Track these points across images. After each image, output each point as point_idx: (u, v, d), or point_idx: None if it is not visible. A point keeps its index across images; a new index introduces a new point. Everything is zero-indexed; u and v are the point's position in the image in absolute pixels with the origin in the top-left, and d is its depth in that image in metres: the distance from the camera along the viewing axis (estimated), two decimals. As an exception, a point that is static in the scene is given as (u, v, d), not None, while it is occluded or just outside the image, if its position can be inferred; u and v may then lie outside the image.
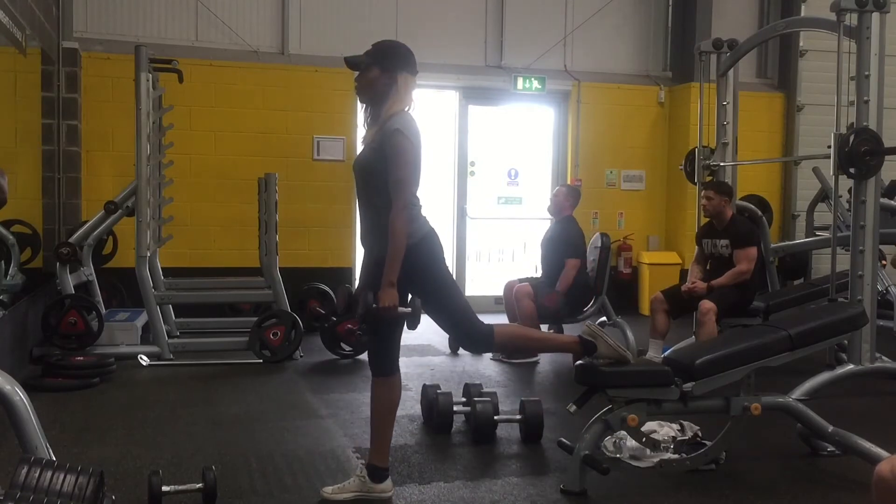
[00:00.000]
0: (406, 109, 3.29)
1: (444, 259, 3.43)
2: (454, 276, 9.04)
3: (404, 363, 3.30)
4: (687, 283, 6.02)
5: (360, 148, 3.49)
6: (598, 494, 3.50)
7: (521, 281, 6.58)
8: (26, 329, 5.83)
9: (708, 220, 6.15)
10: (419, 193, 3.34)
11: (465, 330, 3.44)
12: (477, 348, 3.57)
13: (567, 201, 6.62)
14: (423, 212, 3.37)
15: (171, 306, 6.86)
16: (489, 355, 6.54)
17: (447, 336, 4.52)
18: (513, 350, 3.67)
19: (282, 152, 8.13)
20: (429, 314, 3.38)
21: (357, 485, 3.39)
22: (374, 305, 3.19)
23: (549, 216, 6.82)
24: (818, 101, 9.07)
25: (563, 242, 6.43)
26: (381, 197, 3.23)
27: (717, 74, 6.67)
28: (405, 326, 3.38)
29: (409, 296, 3.36)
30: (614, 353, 3.49)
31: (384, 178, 3.22)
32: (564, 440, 3.77)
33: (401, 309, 3.23)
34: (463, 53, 8.79)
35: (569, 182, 8.84)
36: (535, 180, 9.27)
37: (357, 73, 3.35)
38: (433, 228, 3.40)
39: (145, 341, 6.45)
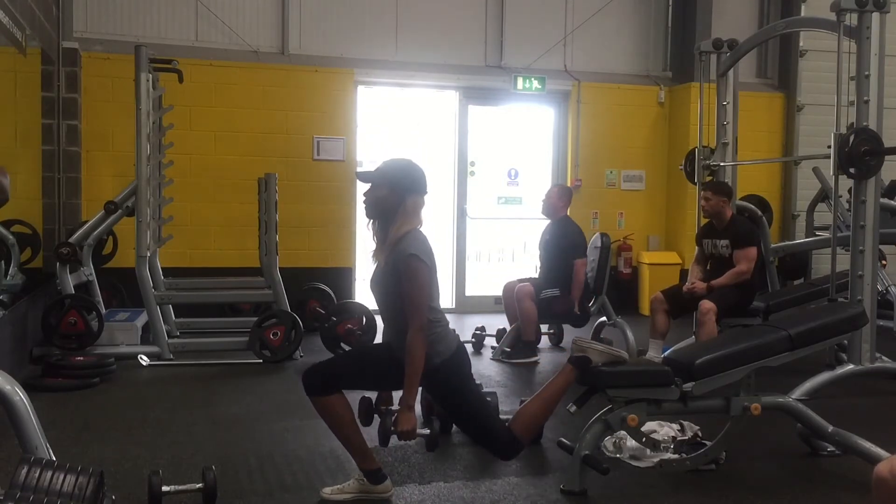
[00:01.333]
0: (416, 228, 3.31)
1: (471, 375, 3.48)
2: (454, 277, 9.10)
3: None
4: (687, 284, 6.02)
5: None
6: (598, 494, 3.50)
7: (520, 281, 6.58)
8: (26, 329, 5.83)
9: (708, 220, 6.15)
10: (427, 198, 3.37)
11: (494, 445, 3.49)
12: (506, 457, 3.61)
13: (560, 201, 6.62)
14: (427, 212, 3.39)
15: (171, 306, 6.86)
16: (489, 355, 6.55)
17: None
18: (540, 423, 3.71)
19: (282, 152, 8.13)
20: (455, 424, 3.51)
21: (356, 486, 3.40)
22: (392, 429, 3.26)
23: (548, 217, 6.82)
24: (818, 101, 9.07)
25: (567, 244, 6.41)
26: (404, 317, 3.26)
27: (717, 74, 6.67)
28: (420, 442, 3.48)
29: (435, 406, 3.45)
30: (608, 356, 3.54)
31: (401, 297, 3.25)
32: (564, 440, 3.77)
33: (419, 432, 3.29)
34: (463, 53, 8.79)
35: (569, 182, 8.85)
36: (535, 180, 9.26)
37: (367, 186, 3.38)
38: (461, 344, 3.44)
39: (145, 341, 6.45)
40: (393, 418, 3.28)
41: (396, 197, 3.28)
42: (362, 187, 3.46)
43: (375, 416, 3.62)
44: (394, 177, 3.31)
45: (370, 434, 3.58)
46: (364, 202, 3.37)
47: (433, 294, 3.31)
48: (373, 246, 3.41)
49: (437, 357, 3.28)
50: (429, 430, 3.34)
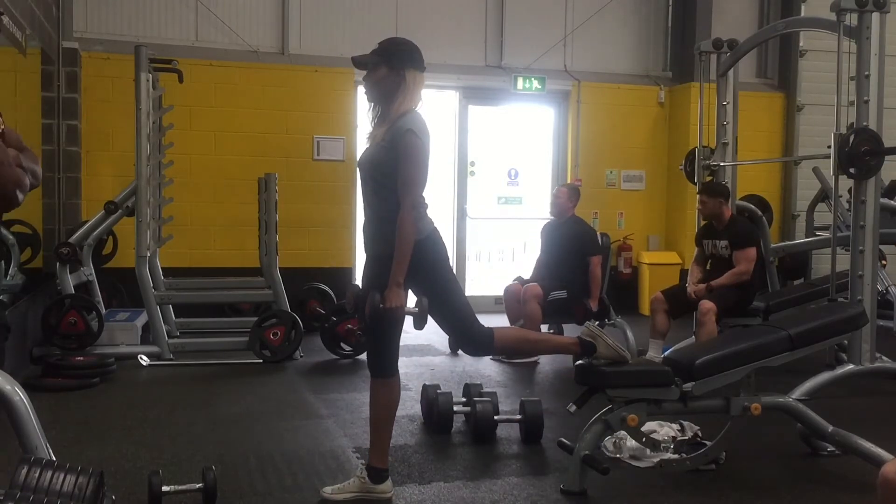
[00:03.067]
0: (415, 108, 3.29)
1: (447, 258, 3.43)
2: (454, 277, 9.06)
3: (404, 363, 3.30)
4: (689, 287, 6.01)
5: (360, 146, 3.48)
6: (598, 494, 3.49)
7: (521, 282, 6.56)
8: (26, 329, 5.83)
9: (707, 220, 6.15)
10: (425, 193, 3.33)
11: (465, 331, 3.43)
12: (477, 350, 3.56)
13: (570, 202, 6.61)
14: (429, 212, 3.37)
15: (171, 306, 6.86)
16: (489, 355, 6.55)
17: (447, 336, 4.52)
18: (513, 352, 3.70)
19: (282, 152, 8.13)
20: (430, 313, 3.36)
21: (357, 485, 3.39)
22: (380, 306, 3.18)
23: (548, 216, 6.82)
24: (818, 101, 9.07)
25: (581, 243, 6.39)
26: (389, 195, 3.23)
27: (717, 74, 6.67)
28: (410, 326, 3.37)
29: (414, 294, 3.36)
30: (613, 353, 3.50)
31: (393, 175, 3.21)
32: (564, 440, 3.77)
33: (407, 309, 3.22)
34: (463, 53, 8.79)
35: (569, 181, 8.84)
36: (535, 180, 9.27)
37: (364, 72, 3.34)
38: (437, 228, 3.40)
39: (145, 341, 6.45)
40: (380, 294, 3.19)
41: (396, 74, 3.26)
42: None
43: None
44: (391, 54, 3.30)
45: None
46: (364, 89, 3.36)
47: (425, 177, 3.27)
48: (369, 129, 3.38)
49: (418, 233, 3.24)
50: (417, 309, 3.26)
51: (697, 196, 6.16)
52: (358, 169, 3.43)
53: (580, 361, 3.54)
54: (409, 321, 3.31)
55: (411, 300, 3.35)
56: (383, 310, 3.17)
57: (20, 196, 2.35)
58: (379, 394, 3.39)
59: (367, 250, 3.47)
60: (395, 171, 3.21)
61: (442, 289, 3.36)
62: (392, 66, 3.27)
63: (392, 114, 3.26)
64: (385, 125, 3.28)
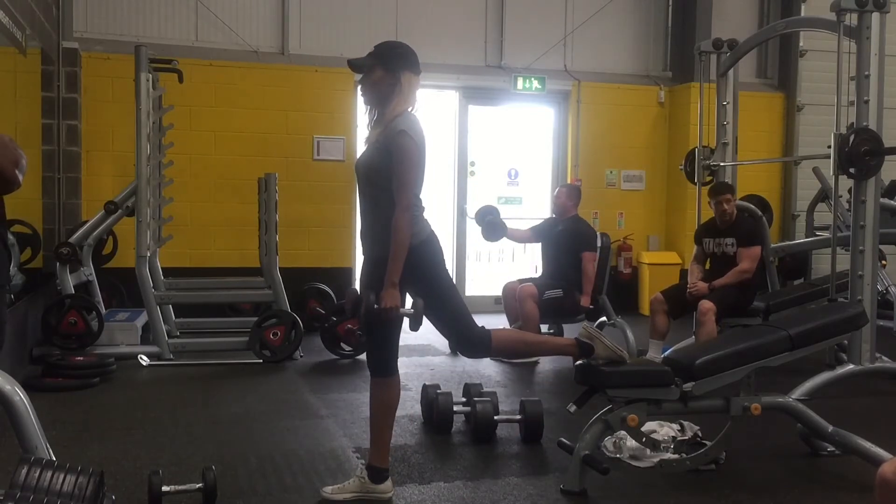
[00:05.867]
0: (410, 110, 3.29)
1: (444, 261, 3.43)
2: (454, 277, 9.08)
3: (404, 363, 3.30)
4: (689, 286, 6.01)
5: (360, 148, 3.48)
6: (598, 494, 3.49)
7: (521, 282, 6.57)
8: (26, 329, 5.83)
9: (709, 218, 6.14)
10: (422, 195, 3.34)
11: (462, 334, 3.44)
12: (474, 353, 3.57)
13: (570, 201, 6.61)
14: (426, 214, 3.37)
15: (171, 306, 6.86)
16: (489, 355, 6.55)
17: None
18: (510, 354, 3.72)
19: (282, 152, 8.13)
20: (427, 316, 3.37)
21: (357, 485, 3.39)
22: (376, 306, 3.18)
23: (549, 216, 6.82)
24: (818, 101, 9.07)
25: (578, 238, 6.40)
26: (385, 196, 3.23)
27: (717, 74, 6.67)
28: (406, 327, 3.37)
29: (410, 297, 3.36)
30: (612, 353, 3.51)
31: (388, 177, 3.21)
32: (564, 440, 3.77)
33: (403, 310, 3.22)
34: (463, 53, 8.79)
35: (569, 181, 8.84)
36: (535, 180, 9.27)
37: (361, 75, 3.35)
38: (434, 231, 3.41)
39: (145, 341, 6.45)
40: (375, 295, 3.19)
41: (392, 77, 3.27)
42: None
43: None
44: (387, 56, 3.31)
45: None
46: (361, 92, 3.38)
47: (420, 178, 3.28)
48: (366, 133, 3.39)
49: (413, 238, 3.24)
50: (413, 310, 3.26)
51: (718, 197, 5.97)
52: (355, 171, 3.43)
53: (580, 362, 3.54)
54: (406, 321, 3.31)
55: (408, 301, 3.35)
56: (378, 310, 3.17)
57: (20, 177, 2.35)
58: (378, 393, 3.39)
59: (364, 252, 3.47)
60: (389, 172, 3.21)
61: (439, 292, 3.37)
62: (387, 69, 3.28)
63: (387, 116, 3.27)
64: (380, 127, 3.29)
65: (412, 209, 3.21)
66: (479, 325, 3.47)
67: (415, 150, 3.21)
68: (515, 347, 3.64)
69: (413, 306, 3.28)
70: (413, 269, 3.25)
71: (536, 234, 6.81)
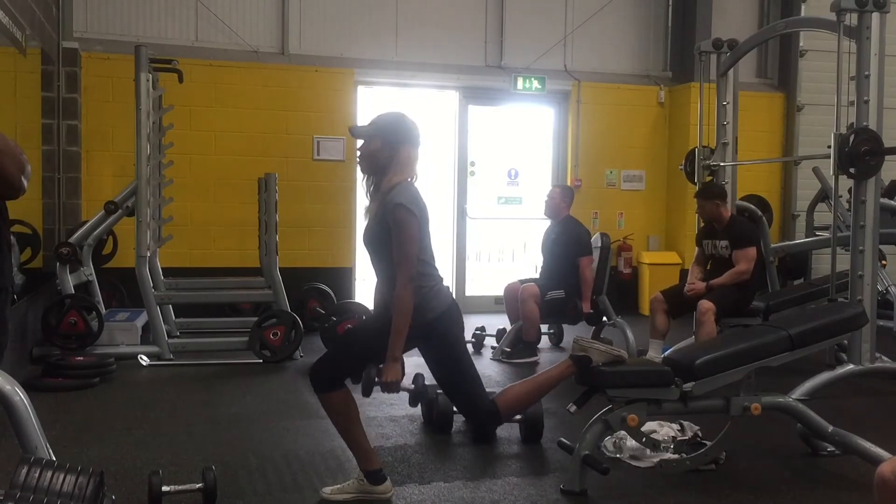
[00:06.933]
0: (409, 180, 3.29)
1: (462, 335, 3.47)
2: (454, 277, 9.08)
3: (405, 363, 3.31)
4: (687, 285, 6.01)
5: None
6: (598, 494, 3.50)
7: (522, 282, 6.57)
8: (26, 329, 5.83)
9: (707, 222, 6.14)
10: (435, 263, 3.37)
11: (472, 411, 3.50)
12: (484, 425, 3.61)
13: (563, 202, 6.62)
14: (444, 283, 3.40)
15: (171, 306, 6.86)
16: (489, 355, 6.55)
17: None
18: (521, 411, 3.77)
19: (282, 152, 8.13)
20: (437, 383, 3.46)
21: (356, 486, 3.40)
22: (376, 379, 3.21)
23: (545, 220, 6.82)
24: (818, 101, 9.07)
25: (573, 243, 6.41)
26: (394, 269, 3.24)
27: (717, 74, 6.67)
28: (407, 398, 3.40)
29: (427, 364, 3.42)
30: (609, 356, 3.53)
31: (391, 250, 3.23)
32: (564, 440, 3.77)
33: (404, 385, 3.25)
34: (463, 53, 8.79)
35: (569, 182, 8.84)
36: (535, 180, 9.26)
37: (360, 142, 3.37)
38: (454, 301, 3.42)
39: (145, 341, 6.45)
40: (377, 369, 3.22)
41: (390, 149, 3.27)
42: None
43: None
44: (386, 129, 3.30)
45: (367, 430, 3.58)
46: (358, 158, 3.37)
47: (424, 246, 3.28)
48: (366, 202, 3.40)
49: (429, 312, 3.26)
50: (413, 386, 3.28)
51: (696, 198, 6.15)
52: (363, 243, 3.44)
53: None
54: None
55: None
56: (379, 383, 3.21)
57: (24, 182, 2.35)
58: (327, 407, 3.36)
59: (376, 306, 3.51)
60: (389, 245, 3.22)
61: (453, 368, 3.41)
62: (386, 141, 3.28)
63: (384, 187, 3.26)
64: (378, 199, 3.29)
65: (415, 280, 3.20)
66: (486, 392, 3.50)
67: (413, 222, 3.20)
68: (522, 404, 3.66)
69: (413, 382, 3.30)
70: (430, 341, 3.31)
71: (541, 250, 6.80)
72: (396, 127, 3.31)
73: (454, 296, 8.20)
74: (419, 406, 4.70)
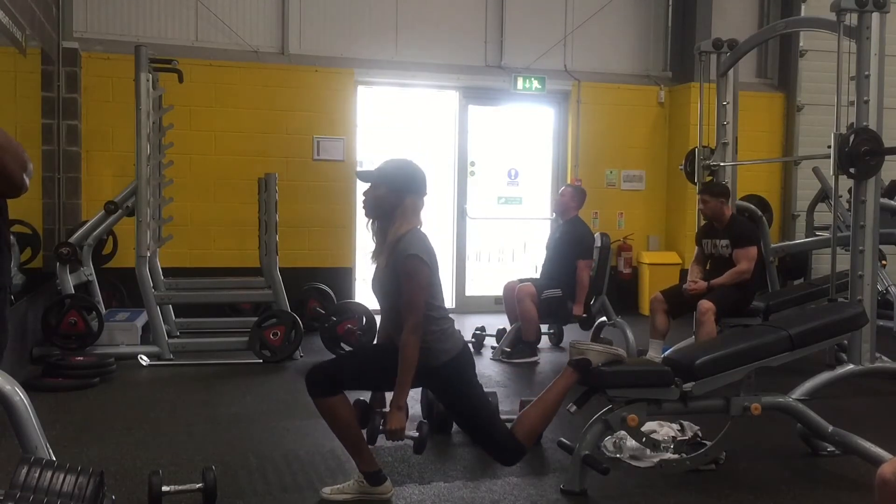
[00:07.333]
0: (416, 227, 3.30)
1: (475, 376, 3.46)
2: (454, 277, 9.07)
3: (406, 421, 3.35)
4: (687, 283, 6.02)
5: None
6: (598, 494, 3.50)
7: (521, 281, 6.57)
8: (26, 329, 5.83)
9: (707, 220, 6.15)
10: (445, 305, 3.40)
11: (495, 448, 3.50)
12: (508, 463, 3.61)
13: (573, 202, 6.61)
14: (455, 326, 3.43)
15: (171, 306, 6.86)
16: (489, 355, 6.55)
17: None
18: (543, 429, 3.79)
19: (282, 152, 8.13)
20: (457, 425, 3.53)
21: (356, 487, 3.40)
22: (381, 428, 3.24)
23: (548, 216, 6.83)
24: (818, 101, 9.07)
25: (575, 243, 6.40)
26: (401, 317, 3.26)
27: (717, 74, 6.67)
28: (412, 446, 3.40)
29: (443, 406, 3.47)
30: (608, 356, 3.54)
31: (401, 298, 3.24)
32: (564, 440, 3.78)
33: (408, 433, 3.27)
34: (463, 53, 8.79)
35: (569, 181, 8.84)
36: (535, 180, 9.27)
37: (367, 185, 3.38)
38: (467, 345, 3.44)
39: (145, 341, 6.45)
40: (381, 418, 3.26)
41: (395, 197, 3.28)
42: (362, 187, 3.47)
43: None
44: (393, 177, 3.31)
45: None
46: (363, 202, 3.38)
47: (434, 293, 3.31)
48: (373, 246, 3.41)
49: (441, 356, 3.28)
50: (417, 434, 3.31)
51: (698, 196, 6.16)
52: (372, 292, 3.47)
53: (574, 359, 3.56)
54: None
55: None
56: (383, 432, 3.24)
57: (26, 180, 2.35)
58: (323, 411, 3.35)
59: (381, 342, 3.54)
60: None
61: (470, 412, 3.42)
62: (392, 189, 3.29)
63: (391, 235, 3.28)
64: (386, 250, 3.29)
65: (420, 328, 3.21)
66: (505, 426, 3.52)
67: (425, 271, 3.23)
68: (541, 425, 3.66)
69: (417, 429, 3.33)
70: (445, 386, 3.34)
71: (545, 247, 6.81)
72: (403, 175, 3.32)
73: (454, 295, 8.29)
74: (419, 406, 4.72)
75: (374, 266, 3.40)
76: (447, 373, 3.32)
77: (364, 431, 3.33)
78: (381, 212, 3.31)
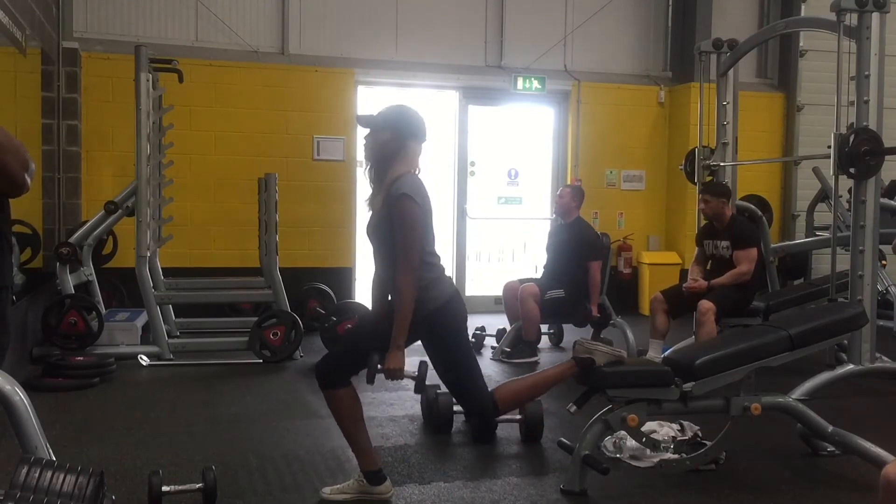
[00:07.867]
0: (412, 172, 3.30)
1: (465, 326, 3.46)
2: (454, 277, 9.08)
3: (406, 362, 3.31)
4: (687, 283, 6.02)
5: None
6: (598, 494, 3.50)
7: (521, 281, 6.57)
8: (26, 329, 5.83)
9: (708, 220, 6.15)
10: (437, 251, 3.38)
11: (469, 403, 3.52)
12: (482, 417, 3.61)
13: (574, 202, 6.61)
14: (447, 273, 3.41)
15: (171, 306, 6.87)
16: (489, 355, 6.55)
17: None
18: (518, 406, 3.79)
19: (282, 152, 8.13)
20: (439, 376, 3.46)
21: (356, 486, 3.40)
22: (380, 366, 3.22)
23: (549, 216, 6.82)
24: (818, 101, 9.07)
25: (585, 246, 6.39)
26: (394, 259, 3.25)
27: (717, 74, 6.67)
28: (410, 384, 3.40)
29: (427, 355, 3.42)
30: (612, 356, 3.55)
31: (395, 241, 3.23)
32: (564, 440, 3.77)
33: (407, 372, 3.26)
34: (463, 53, 8.79)
35: (569, 182, 8.83)
36: (535, 180, 9.27)
37: (367, 130, 3.38)
38: (456, 291, 3.44)
39: (145, 341, 6.45)
40: (379, 356, 3.23)
41: (398, 142, 3.29)
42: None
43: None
44: (397, 122, 3.33)
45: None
46: (364, 146, 3.38)
47: (427, 237, 3.30)
48: (369, 192, 3.40)
49: (430, 303, 3.28)
50: (417, 373, 3.29)
51: (699, 196, 6.15)
52: (367, 236, 3.45)
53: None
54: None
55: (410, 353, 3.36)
56: (382, 370, 3.22)
57: (28, 180, 2.36)
58: (332, 403, 3.37)
59: (374, 301, 3.52)
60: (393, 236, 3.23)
61: (453, 360, 3.42)
62: (396, 134, 3.30)
63: (387, 178, 3.28)
64: (382, 192, 3.29)
65: (417, 270, 3.21)
66: (485, 384, 3.52)
67: (418, 211, 3.22)
68: (520, 398, 3.68)
69: (418, 369, 3.31)
70: (431, 332, 3.32)
71: (546, 248, 6.79)
72: (407, 121, 3.34)
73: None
74: (419, 406, 4.72)
75: (369, 212, 3.39)
76: (437, 319, 3.30)
77: (366, 373, 3.29)
78: (382, 157, 3.31)
